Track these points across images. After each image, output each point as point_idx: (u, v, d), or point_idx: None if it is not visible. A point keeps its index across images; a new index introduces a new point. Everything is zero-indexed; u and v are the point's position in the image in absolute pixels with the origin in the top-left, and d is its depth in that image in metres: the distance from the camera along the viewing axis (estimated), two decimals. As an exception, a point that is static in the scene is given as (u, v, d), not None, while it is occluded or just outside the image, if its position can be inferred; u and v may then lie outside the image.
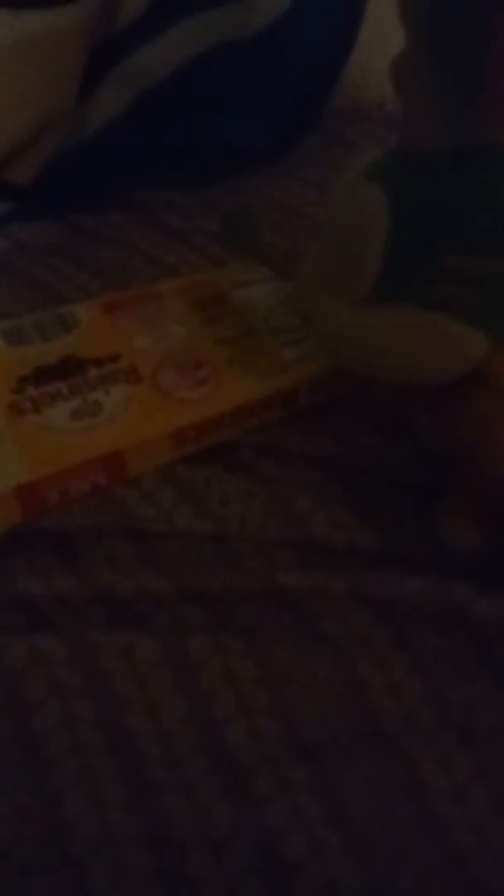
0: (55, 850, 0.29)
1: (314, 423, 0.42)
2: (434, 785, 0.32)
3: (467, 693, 0.34)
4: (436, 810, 0.31)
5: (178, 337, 0.44)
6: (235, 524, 0.38)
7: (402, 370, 0.34)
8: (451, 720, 0.33)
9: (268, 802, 0.31)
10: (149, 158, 0.58)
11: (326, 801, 0.31)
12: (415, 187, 0.31)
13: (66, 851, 0.29)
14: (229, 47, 0.56)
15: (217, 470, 0.40)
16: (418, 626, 0.35)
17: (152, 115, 0.56)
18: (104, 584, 0.35)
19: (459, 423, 0.35)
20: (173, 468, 0.40)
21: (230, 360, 0.43)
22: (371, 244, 0.31)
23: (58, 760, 0.31)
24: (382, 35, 0.67)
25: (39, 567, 0.35)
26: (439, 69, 0.28)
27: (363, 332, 0.33)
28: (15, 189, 0.54)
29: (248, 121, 0.60)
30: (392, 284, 0.32)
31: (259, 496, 0.39)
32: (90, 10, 0.48)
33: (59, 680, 0.32)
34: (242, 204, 0.55)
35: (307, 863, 0.30)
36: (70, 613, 0.34)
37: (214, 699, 0.33)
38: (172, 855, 0.30)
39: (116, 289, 0.49)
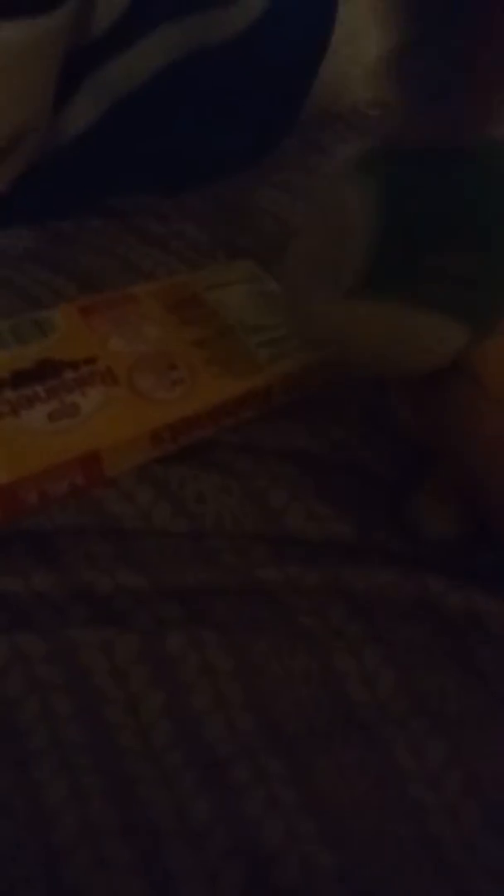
0: (36, 843, 0.30)
1: (288, 419, 0.43)
2: (409, 771, 0.33)
3: (439, 682, 0.35)
4: (411, 796, 0.32)
5: (153, 338, 0.45)
6: (212, 521, 0.38)
7: (383, 361, 0.35)
8: (424, 708, 0.34)
9: (245, 792, 0.31)
10: (125, 164, 0.59)
11: (302, 790, 0.32)
12: (402, 185, 0.32)
13: (47, 843, 0.30)
14: (204, 53, 0.56)
15: (193, 468, 0.41)
16: (392, 617, 0.36)
17: (128, 122, 0.56)
18: (83, 581, 0.35)
19: (438, 413, 0.36)
20: (150, 467, 0.40)
21: (205, 360, 0.43)
22: (358, 238, 0.32)
23: (38, 755, 0.31)
24: (354, 40, 0.68)
25: (18, 566, 0.36)
26: (424, 68, 0.29)
27: (347, 324, 0.34)
28: (-8, 196, 0.55)
29: (223, 126, 0.61)
30: (376, 278, 0.32)
31: (235, 492, 0.40)
32: (65, 21, 0.48)
33: (38, 676, 0.33)
34: (234, 209, 0.55)
35: (284, 850, 0.30)
36: (49, 611, 0.35)
37: (192, 693, 0.33)
38: (151, 845, 0.30)
39: (94, 293, 0.50)
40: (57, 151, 0.56)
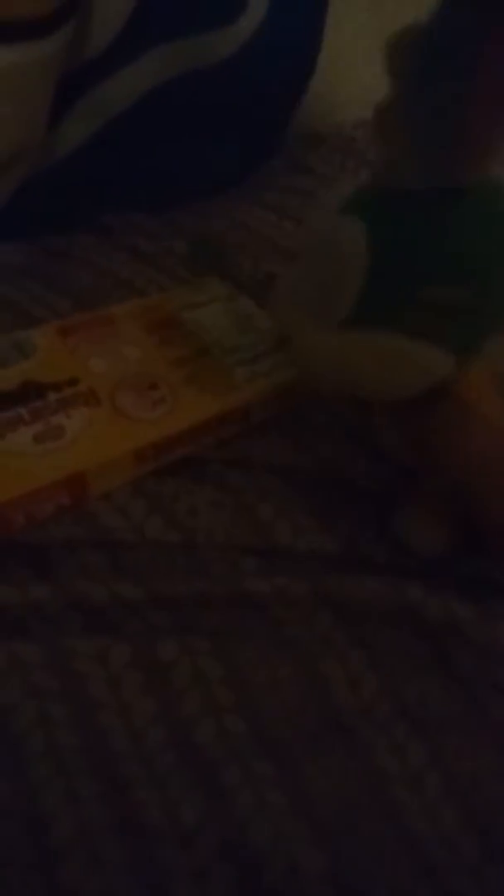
0: (32, 845, 0.31)
1: (277, 435, 0.45)
2: (391, 773, 0.34)
3: (420, 687, 0.37)
4: (393, 797, 0.34)
5: (133, 359, 0.46)
6: (203, 534, 0.40)
7: (374, 389, 0.37)
8: (405, 712, 0.36)
9: (235, 794, 0.33)
10: (116, 183, 0.60)
11: (290, 792, 0.33)
12: (393, 223, 0.33)
13: (43, 845, 0.31)
14: (195, 75, 0.58)
15: (185, 482, 0.42)
16: (375, 625, 0.38)
17: (118, 142, 0.58)
18: (78, 592, 0.37)
19: (425, 433, 0.38)
20: (143, 482, 0.42)
21: (185, 380, 0.45)
22: (351, 275, 0.33)
23: (34, 759, 0.33)
24: (340, 63, 0.70)
25: (15, 578, 0.37)
26: (422, 119, 0.30)
27: (339, 355, 0.36)
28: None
29: (212, 146, 0.63)
30: (368, 311, 0.34)
31: (226, 506, 0.41)
32: (61, 44, 0.50)
33: (35, 683, 0.34)
34: (208, 230, 0.58)
35: (273, 851, 0.32)
36: (45, 621, 0.36)
37: (183, 698, 0.35)
38: (144, 846, 0.32)
39: (86, 309, 0.51)
40: (49, 169, 0.58)
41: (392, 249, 0.33)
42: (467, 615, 0.38)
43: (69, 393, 0.43)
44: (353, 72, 0.71)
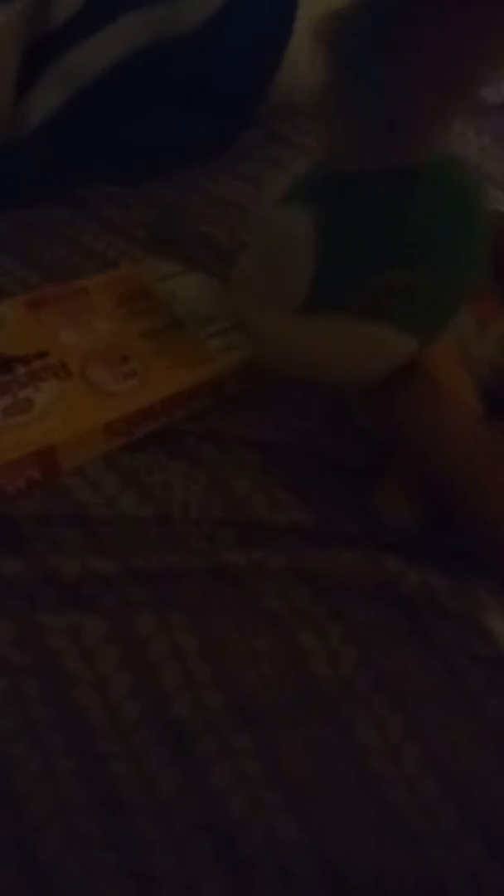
0: (8, 821, 0.31)
1: (252, 409, 0.45)
2: (369, 745, 0.35)
3: (399, 660, 0.37)
4: (371, 769, 0.35)
5: (104, 331, 0.46)
6: (178, 508, 0.40)
7: (337, 372, 0.37)
8: (384, 685, 0.37)
9: (211, 767, 0.33)
10: (88, 154, 0.60)
11: (267, 764, 0.34)
12: (341, 207, 0.34)
13: (20, 821, 0.32)
14: (165, 44, 0.58)
15: (160, 456, 0.42)
16: (353, 598, 0.39)
17: (90, 112, 0.57)
18: (51, 566, 0.37)
19: (397, 413, 0.38)
20: (116, 456, 0.42)
21: (157, 352, 0.45)
22: (301, 262, 0.34)
23: (9, 736, 0.33)
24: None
25: (-15, 553, 0.37)
26: (356, 104, 0.31)
27: (298, 341, 0.36)
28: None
29: (186, 116, 0.62)
30: (324, 296, 0.34)
31: (201, 480, 0.41)
32: (25, 10, 0.49)
33: (8, 660, 0.35)
34: (175, 201, 0.57)
35: (249, 821, 0.33)
36: (18, 596, 0.36)
37: (160, 673, 0.35)
38: (122, 820, 0.32)
39: (57, 282, 0.51)
40: (20, 141, 0.57)
41: (342, 235, 0.33)
42: (444, 587, 0.39)
43: (38, 366, 0.43)
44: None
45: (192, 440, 0.44)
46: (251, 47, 0.64)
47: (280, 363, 0.39)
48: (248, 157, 0.64)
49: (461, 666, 0.37)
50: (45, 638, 0.35)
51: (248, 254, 0.38)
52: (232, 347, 0.46)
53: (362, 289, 0.34)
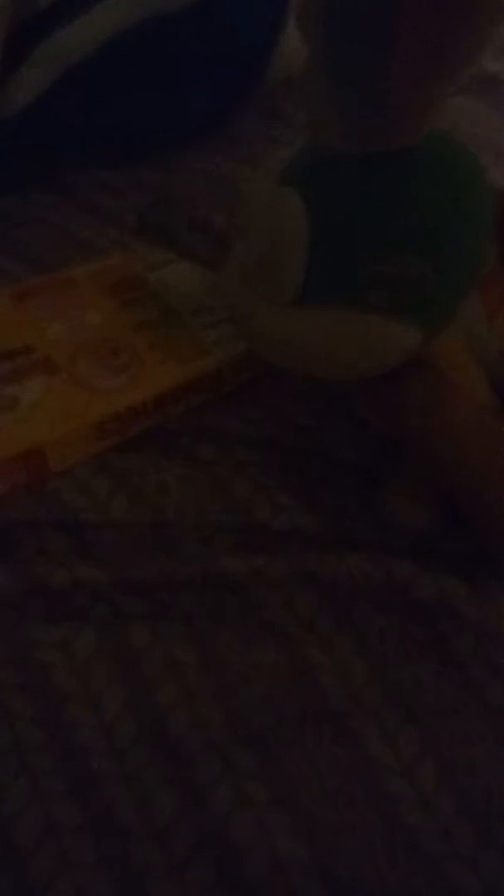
0: (-1, 845, 0.30)
1: (252, 405, 0.44)
2: (382, 762, 0.34)
3: (413, 671, 0.36)
4: (384, 787, 0.33)
5: (94, 324, 0.45)
6: (173, 511, 0.39)
7: (335, 368, 0.36)
8: (397, 698, 0.35)
9: (212, 788, 0.32)
10: (77, 137, 0.59)
11: (272, 784, 0.33)
12: (331, 193, 0.32)
13: (10, 845, 0.30)
14: (155, 22, 0.56)
15: (154, 456, 0.41)
16: (362, 606, 0.37)
17: (79, 93, 0.56)
18: (39, 576, 0.36)
19: (400, 408, 0.37)
20: (108, 456, 0.41)
21: (150, 344, 0.44)
22: (292, 249, 0.33)
23: (-3, 757, 0.32)
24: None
25: (-31, 562, 0.36)
26: (342, 83, 0.29)
27: (293, 334, 0.35)
28: None
29: (183, 95, 0.61)
30: (318, 287, 0.33)
31: (197, 482, 0.40)
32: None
33: (-6, 676, 0.33)
34: (167, 186, 0.56)
35: (253, 843, 0.31)
36: (4, 608, 0.35)
37: (156, 688, 0.34)
38: (116, 843, 0.31)
39: (44, 273, 0.50)
40: (8, 122, 0.56)
41: (334, 220, 0.32)
42: (461, 594, 0.37)
43: (23, 361, 0.42)
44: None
45: (188, 439, 0.42)
46: (248, 23, 0.63)
47: (275, 358, 0.38)
48: (246, 136, 0.63)
49: (480, 677, 0.36)
50: (34, 652, 0.34)
51: (240, 242, 0.37)
52: (229, 339, 0.44)
53: (359, 278, 0.32)
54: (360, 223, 0.32)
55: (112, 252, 0.53)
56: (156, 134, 0.62)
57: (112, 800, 0.32)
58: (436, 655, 0.37)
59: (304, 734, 0.34)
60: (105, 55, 0.56)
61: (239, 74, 0.66)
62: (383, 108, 0.29)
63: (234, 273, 0.37)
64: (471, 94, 0.70)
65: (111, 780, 0.32)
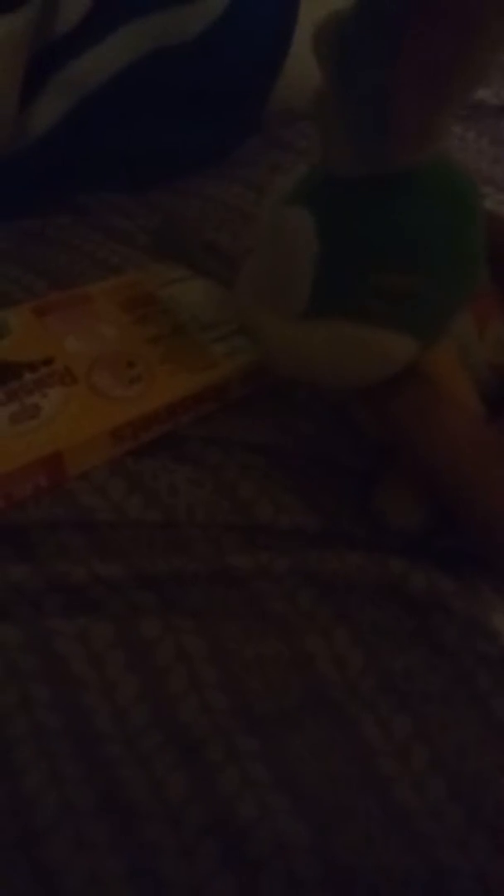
0: (15, 827, 0.31)
1: (256, 413, 0.45)
2: (376, 746, 0.35)
3: (405, 661, 0.37)
4: (378, 770, 0.34)
5: (109, 338, 0.46)
6: (184, 512, 0.40)
7: (339, 377, 0.37)
8: (391, 686, 0.36)
9: (219, 771, 0.33)
10: (91, 162, 0.60)
11: (275, 767, 0.34)
12: (339, 211, 0.33)
13: (27, 827, 0.31)
14: (166, 52, 0.58)
15: (165, 461, 0.42)
16: (358, 600, 0.38)
17: (93, 121, 0.57)
18: (58, 572, 0.37)
19: (397, 418, 0.38)
20: (123, 461, 0.42)
21: (161, 357, 0.45)
22: (301, 265, 0.34)
23: (17, 742, 0.33)
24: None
25: (-7, 560, 0.37)
26: (349, 106, 0.30)
27: (300, 346, 0.36)
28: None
29: (187, 124, 0.62)
30: (324, 301, 0.34)
31: (206, 485, 0.41)
32: (30, 19, 0.49)
33: (16, 666, 0.34)
34: (177, 209, 0.57)
35: (257, 824, 0.32)
36: (25, 602, 0.36)
37: (167, 677, 0.35)
38: (130, 824, 0.32)
39: (62, 289, 0.51)
40: (24, 150, 0.57)
41: (339, 237, 0.33)
42: (450, 589, 0.38)
43: (45, 372, 0.43)
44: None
45: (197, 444, 0.43)
46: (251, 54, 0.64)
47: (285, 369, 0.39)
48: (250, 162, 0.64)
49: (469, 667, 0.37)
50: (53, 643, 0.35)
51: (252, 258, 0.38)
52: (235, 352, 0.46)
53: (360, 292, 0.33)
54: (362, 240, 0.33)
55: (126, 269, 0.54)
56: (162, 159, 0.63)
57: (125, 782, 0.33)
58: (427, 646, 0.38)
59: (304, 720, 0.35)
60: (118, 85, 0.57)
61: (240, 104, 0.67)
62: (387, 131, 0.30)
63: (245, 288, 0.38)
64: (458, 120, 0.71)
65: (125, 764, 0.33)
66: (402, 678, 0.37)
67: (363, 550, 0.39)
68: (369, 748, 0.35)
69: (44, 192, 0.59)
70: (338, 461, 0.43)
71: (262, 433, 0.44)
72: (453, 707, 0.36)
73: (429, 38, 0.28)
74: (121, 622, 0.36)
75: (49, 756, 0.33)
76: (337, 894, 0.31)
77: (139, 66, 0.57)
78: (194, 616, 0.37)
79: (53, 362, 0.44)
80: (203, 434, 0.44)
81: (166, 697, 0.35)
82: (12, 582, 0.36)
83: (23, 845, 0.31)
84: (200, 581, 0.38)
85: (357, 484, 0.42)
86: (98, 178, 0.61)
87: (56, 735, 0.33)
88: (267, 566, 0.38)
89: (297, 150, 0.66)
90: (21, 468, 0.39)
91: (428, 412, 0.37)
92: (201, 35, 0.58)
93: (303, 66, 0.70)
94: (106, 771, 0.33)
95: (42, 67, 0.54)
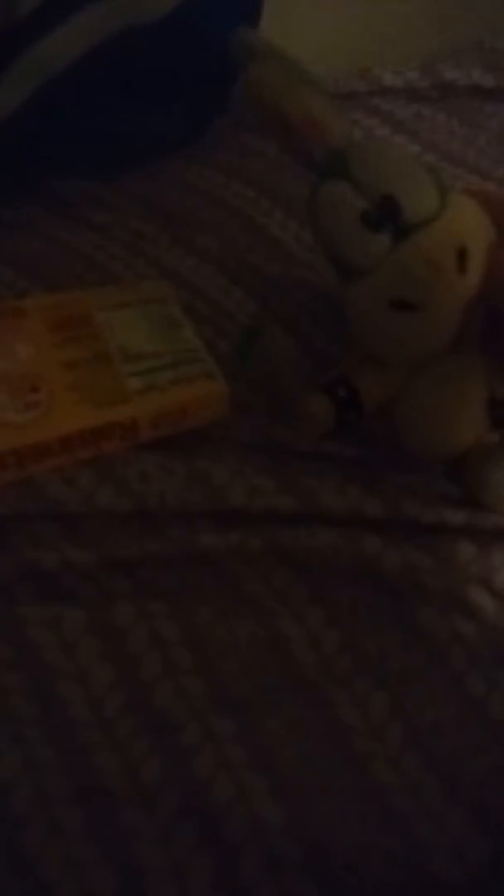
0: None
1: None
2: (352, 725, 0.34)
3: (381, 640, 0.36)
4: (355, 748, 0.34)
5: (23, 357, 0.42)
6: (156, 499, 0.38)
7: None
8: (367, 666, 0.35)
9: (195, 754, 0.32)
10: (59, 147, 0.58)
11: (250, 749, 0.33)
12: None
13: (2, 814, 0.31)
14: (133, 33, 0.55)
15: (135, 448, 0.41)
16: (333, 579, 0.37)
17: (59, 104, 0.55)
18: (29, 560, 0.36)
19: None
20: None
21: (70, 384, 0.41)
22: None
23: (-10, 730, 0.32)
24: (287, 14, 0.68)
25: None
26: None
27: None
28: None
29: (156, 106, 0.60)
30: None
31: (178, 471, 0.40)
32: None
33: (-12, 654, 0.33)
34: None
35: (234, 806, 0.31)
36: (-1, 590, 0.35)
37: (141, 662, 0.34)
38: (105, 810, 0.31)
39: (36, 281, 0.49)
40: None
41: None
42: (425, 565, 0.37)
43: None
44: (301, 24, 0.68)
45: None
46: (219, 33, 0.62)
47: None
48: (221, 145, 0.62)
49: (444, 644, 0.36)
50: (25, 630, 0.34)
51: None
52: (152, 389, 0.41)
53: None
54: None
55: (97, 257, 0.52)
56: (134, 143, 0.61)
57: (101, 768, 0.32)
58: (402, 625, 0.37)
59: (280, 701, 0.34)
60: (83, 66, 0.55)
61: (213, 85, 0.65)
62: None
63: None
64: (430, 102, 0.69)
65: (100, 750, 0.32)
66: (378, 657, 0.36)
67: (337, 528, 0.38)
68: (346, 727, 0.34)
69: (10, 178, 0.57)
70: (317, 447, 0.42)
71: (234, 425, 0.42)
72: (430, 685, 0.35)
73: None
74: (93, 609, 0.35)
75: (23, 743, 0.32)
76: (315, 873, 0.31)
77: (107, 47, 0.55)
78: (167, 599, 0.36)
79: None
80: None
81: (141, 683, 0.34)
82: (-19, 572, 0.35)
83: (1, 834, 0.30)
84: (173, 564, 0.37)
85: (335, 466, 0.41)
86: (67, 165, 0.59)
87: (30, 722, 0.32)
88: (239, 546, 0.37)
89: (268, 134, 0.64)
90: None
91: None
92: (169, 15, 0.56)
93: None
94: (81, 757, 0.32)
95: (4, 49, 0.52)
